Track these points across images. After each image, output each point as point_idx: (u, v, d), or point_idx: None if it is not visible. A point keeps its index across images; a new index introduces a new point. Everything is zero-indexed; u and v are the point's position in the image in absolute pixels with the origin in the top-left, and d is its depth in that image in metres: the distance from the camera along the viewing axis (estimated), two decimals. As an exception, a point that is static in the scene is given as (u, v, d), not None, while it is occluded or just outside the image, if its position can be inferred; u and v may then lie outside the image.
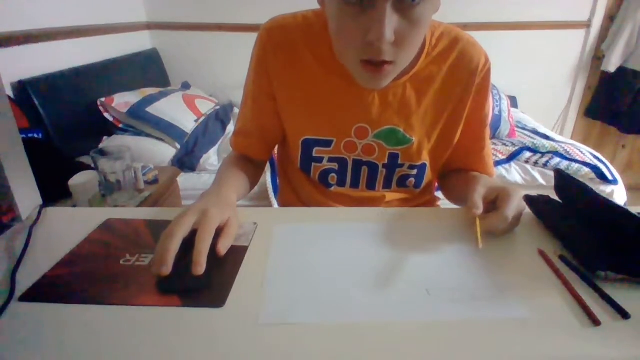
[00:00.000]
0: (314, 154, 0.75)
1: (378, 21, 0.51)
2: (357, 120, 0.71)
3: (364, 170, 0.76)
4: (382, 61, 0.55)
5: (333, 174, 0.77)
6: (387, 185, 0.78)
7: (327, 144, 0.73)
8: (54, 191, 1.14)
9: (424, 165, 0.77)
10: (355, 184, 0.78)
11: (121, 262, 0.51)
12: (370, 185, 0.78)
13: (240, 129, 0.79)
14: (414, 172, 0.77)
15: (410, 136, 0.72)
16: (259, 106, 0.75)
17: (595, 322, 0.42)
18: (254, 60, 0.72)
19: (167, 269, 0.46)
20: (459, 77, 0.70)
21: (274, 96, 0.72)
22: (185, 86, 2.44)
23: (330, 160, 0.75)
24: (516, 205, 0.56)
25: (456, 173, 0.80)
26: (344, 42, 0.57)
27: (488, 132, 0.78)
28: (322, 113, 0.71)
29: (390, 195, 0.79)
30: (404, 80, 0.68)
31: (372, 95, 0.69)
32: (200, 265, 0.46)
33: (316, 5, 0.70)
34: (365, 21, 0.52)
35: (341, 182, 0.78)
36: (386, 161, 0.74)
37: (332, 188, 0.79)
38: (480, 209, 0.56)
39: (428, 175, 0.79)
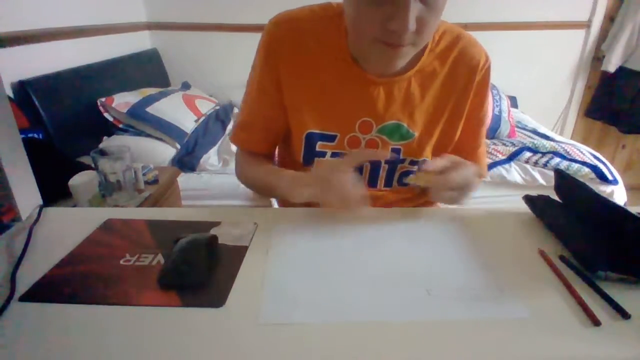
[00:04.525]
0: (317, 149, 0.75)
1: (402, 10, 0.52)
2: (362, 113, 0.71)
3: (366, 166, 0.76)
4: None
5: None
6: (389, 182, 0.78)
7: (331, 138, 0.73)
8: (54, 191, 1.14)
9: (425, 161, 0.77)
10: None
11: (121, 262, 0.51)
12: (372, 182, 0.78)
13: (242, 122, 0.77)
14: (415, 168, 0.77)
15: (414, 131, 0.73)
16: (264, 97, 0.74)
17: (595, 322, 0.42)
18: (261, 51, 0.71)
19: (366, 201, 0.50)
20: (460, 74, 0.71)
21: (281, 88, 0.72)
22: (185, 86, 2.44)
23: (333, 155, 0.75)
24: (462, 174, 0.60)
25: None
26: (364, 25, 0.57)
27: (484, 131, 0.78)
28: (328, 105, 0.71)
29: (390, 195, 0.79)
30: (409, 74, 0.69)
31: (378, 89, 0.69)
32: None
33: (319, 1, 0.70)
34: (388, 8, 0.53)
35: None
36: (388, 157, 0.75)
37: (333, 186, 0.78)
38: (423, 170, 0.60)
39: (428, 172, 0.79)
